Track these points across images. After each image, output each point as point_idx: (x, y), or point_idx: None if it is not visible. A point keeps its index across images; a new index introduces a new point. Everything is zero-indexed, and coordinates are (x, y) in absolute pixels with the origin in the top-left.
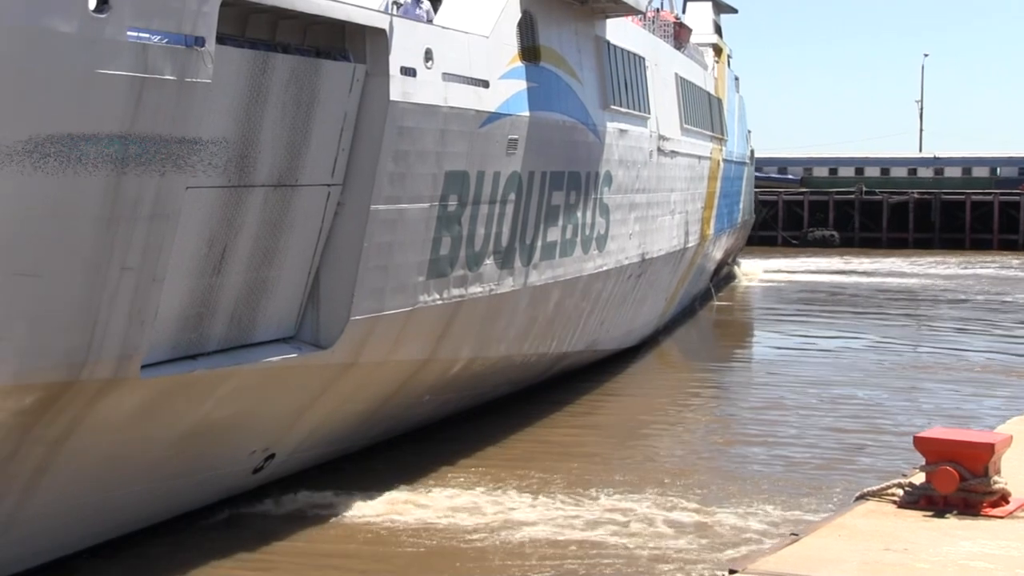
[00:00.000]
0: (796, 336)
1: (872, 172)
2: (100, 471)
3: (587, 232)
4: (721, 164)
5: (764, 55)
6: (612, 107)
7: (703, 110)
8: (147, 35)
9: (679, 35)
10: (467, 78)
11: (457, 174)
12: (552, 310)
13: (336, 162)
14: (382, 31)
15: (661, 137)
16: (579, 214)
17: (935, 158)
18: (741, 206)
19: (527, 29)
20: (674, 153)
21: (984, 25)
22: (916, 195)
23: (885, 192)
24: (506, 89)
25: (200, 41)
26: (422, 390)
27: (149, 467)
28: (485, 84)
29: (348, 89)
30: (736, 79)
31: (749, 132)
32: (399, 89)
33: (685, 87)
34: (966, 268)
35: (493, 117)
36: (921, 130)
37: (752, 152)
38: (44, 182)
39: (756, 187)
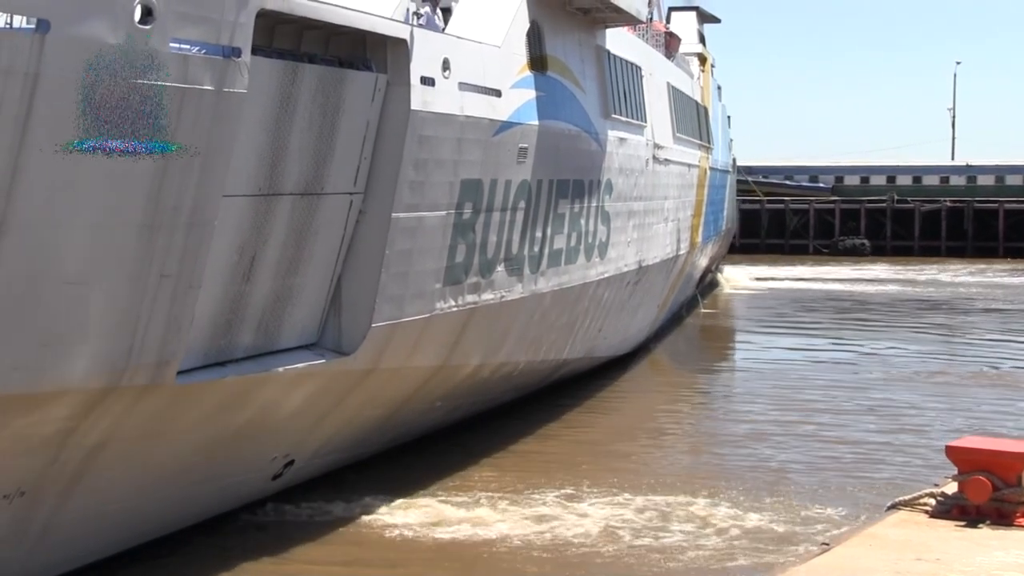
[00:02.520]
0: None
1: (904, 180)
2: (132, 477)
3: (590, 239)
4: (708, 172)
5: (796, 62)
6: (613, 116)
7: (692, 118)
8: (187, 46)
9: (669, 44)
10: (481, 87)
11: (472, 182)
12: (557, 317)
13: (358, 170)
14: (403, 41)
15: (656, 145)
16: (582, 221)
17: (967, 166)
18: (725, 214)
19: (535, 39)
20: (667, 161)
21: (1016, 32)
22: (948, 203)
23: (917, 200)
24: (517, 98)
25: (236, 52)
26: (435, 396)
27: (177, 473)
28: (497, 93)
29: (371, 98)
30: (719, 88)
31: (731, 140)
32: (419, 98)
33: (676, 96)
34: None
35: (505, 126)
36: (953, 138)
37: (734, 160)
38: (90, 192)
39: (787, 195)
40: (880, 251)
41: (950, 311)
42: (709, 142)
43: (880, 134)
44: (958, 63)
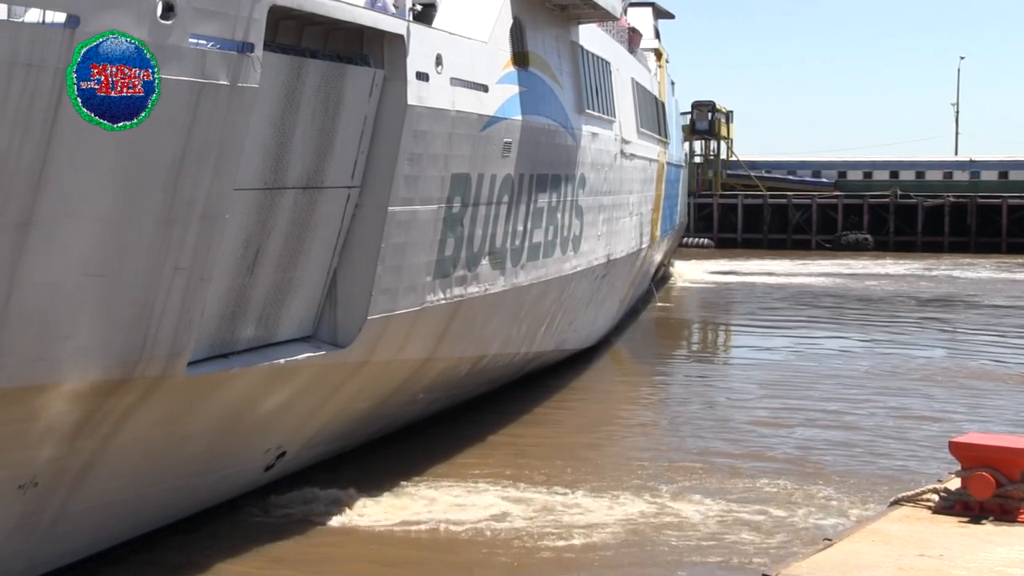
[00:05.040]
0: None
1: (907, 175)
2: (138, 468)
3: (565, 233)
4: (665, 167)
5: (799, 57)
6: (586, 111)
7: (652, 113)
8: (205, 41)
9: (632, 40)
10: (470, 83)
11: (461, 176)
12: (534, 309)
13: (356, 164)
14: (400, 37)
15: (623, 140)
16: (559, 215)
17: (971, 161)
18: (679, 209)
19: (517, 35)
20: (632, 156)
21: (1020, 27)
22: (952, 198)
23: (920, 195)
24: (502, 93)
25: (249, 47)
26: (419, 388)
27: (179, 464)
28: (485, 88)
29: (368, 93)
30: (672, 83)
31: (683, 138)
32: (415, 93)
33: (639, 91)
34: None
35: (492, 121)
36: (957, 133)
37: (686, 155)
38: (111, 185)
39: (790, 190)
40: (883, 246)
41: (960, 307)
42: (666, 137)
43: (883, 129)
44: (962, 58)
